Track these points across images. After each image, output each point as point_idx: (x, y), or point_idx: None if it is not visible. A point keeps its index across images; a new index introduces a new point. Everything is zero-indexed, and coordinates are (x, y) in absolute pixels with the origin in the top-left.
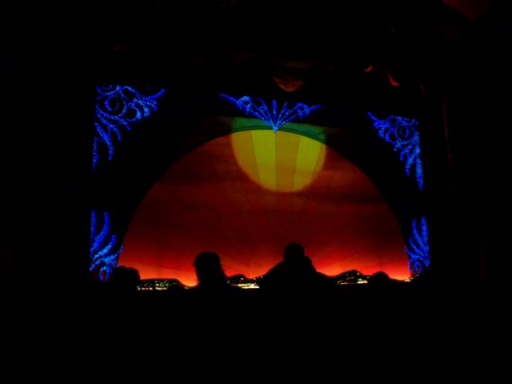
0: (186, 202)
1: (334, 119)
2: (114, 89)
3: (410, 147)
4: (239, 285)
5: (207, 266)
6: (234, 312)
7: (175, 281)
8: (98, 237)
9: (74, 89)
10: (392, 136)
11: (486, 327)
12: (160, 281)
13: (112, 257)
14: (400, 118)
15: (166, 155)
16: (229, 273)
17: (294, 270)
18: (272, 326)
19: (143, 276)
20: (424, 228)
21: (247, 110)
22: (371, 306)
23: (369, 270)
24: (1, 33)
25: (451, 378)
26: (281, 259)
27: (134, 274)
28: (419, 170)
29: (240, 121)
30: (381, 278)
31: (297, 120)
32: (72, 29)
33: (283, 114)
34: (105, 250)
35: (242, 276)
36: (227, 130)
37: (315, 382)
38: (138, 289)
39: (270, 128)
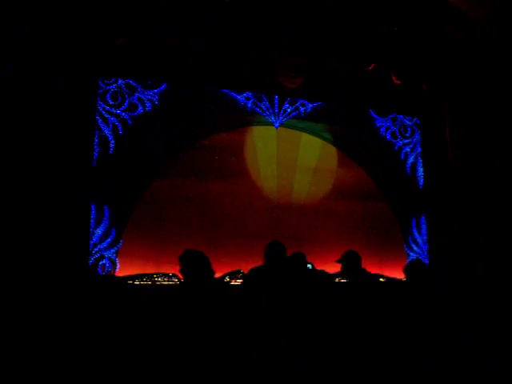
0: (185, 196)
1: (335, 116)
2: (116, 82)
3: (411, 146)
4: (238, 280)
5: (193, 264)
6: (218, 309)
7: (174, 275)
8: (98, 230)
9: (75, 82)
10: (393, 134)
11: (485, 326)
12: (159, 275)
13: (112, 250)
14: (402, 116)
15: (166, 150)
16: (228, 268)
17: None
18: (258, 322)
19: (143, 270)
20: (424, 227)
21: (249, 105)
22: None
23: (368, 268)
24: (3, 28)
25: (448, 376)
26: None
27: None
28: (420, 169)
29: (241, 116)
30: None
31: (298, 117)
32: (74, 22)
33: (285, 111)
34: (104, 244)
35: (240, 271)
36: (228, 126)
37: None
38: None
39: (272, 124)
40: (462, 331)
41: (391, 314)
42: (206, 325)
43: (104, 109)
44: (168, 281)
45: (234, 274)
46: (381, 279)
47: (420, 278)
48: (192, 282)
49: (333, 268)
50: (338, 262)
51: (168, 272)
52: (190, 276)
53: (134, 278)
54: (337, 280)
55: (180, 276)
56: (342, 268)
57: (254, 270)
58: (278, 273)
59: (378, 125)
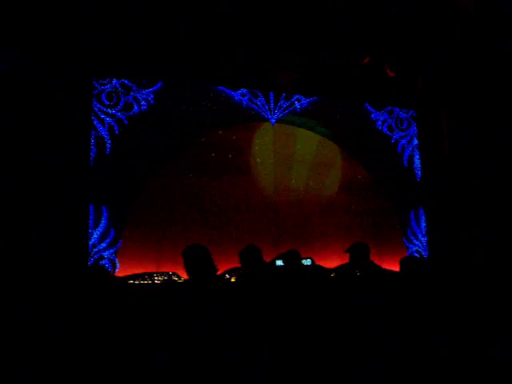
0: (183, 194)
1: (331, 111)
2: (110, 82)
3: (407, 138)
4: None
5: (199, 260)
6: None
7: (174, 274)
8: (97, 230)
9: (70, 83)
10: (390, 127)
11: (484, 317)
12: (159, 274)
13: (111, 251)
14: (398, 109)
15: (163, 148)
16: (227, 265)
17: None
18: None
19: (142, 269)
20: (422, 219)
21: (244, 102)
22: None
23: None
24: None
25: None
26: (278, 251)
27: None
28: (417, 161)
29: (237, 113)
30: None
31: (294, 112)
32: (68, 23)
33: (280, 107)
34: (103, 244)
35: (241, 268)
36: (224, 123)
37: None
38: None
39: (268, 120)
40: (460, 327)
41: (387, 309)
42: (207, 324)
43: (100, 109)
44: (168, 279)
45: (233, 272)
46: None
47: (414, 271)
48: (194, 280)
49: (333, 263)
50: (346, 251)
51: (168, 270)
52: (192, 273)
53: (134, 277)
54: (333, 275)
55: (180, 273)
56: (350, 258)
57: (242, 276)
58: (264, 275)
59: (374, 118)
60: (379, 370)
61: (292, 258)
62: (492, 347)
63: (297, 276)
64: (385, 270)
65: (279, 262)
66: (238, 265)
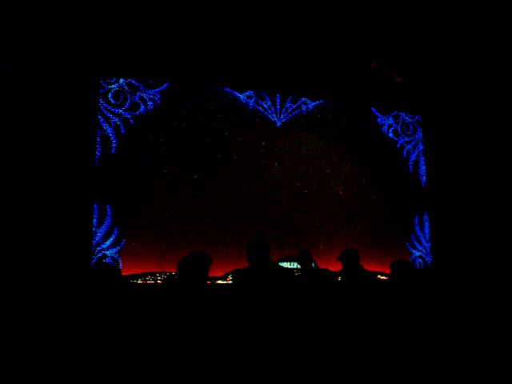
0: (188, 195)
1: (337, 114)
2: (117, 81)
3: (413, 143)
4: None
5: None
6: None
7: (177, 274)
8: (101, 229)
9: (76, 81)
10: (395, 132)
11: (485, 321)
12: (162, 274)
13: (114, 250)
14: (404, 114)
15: (168, 149)
16: (232, 266)
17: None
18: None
19: (145, 269)
20: (426, 225)
21: (250, 104)
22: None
23: (370, 266)
24: (4, 28)
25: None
26: (282, 254)
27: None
28: (422, 167)
29: (243, 115)
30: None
31: (300, 115)
32: (76, 22)
33: (287, 109)
34: (107, 243)
35: (244, 270)
36: (230, 125)
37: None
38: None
39: (274, 123)
40: (461, 329)
41: (381, 311)
42: (209, 324)
43: (106, 108)
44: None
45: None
46: (384, 277)
47: (404, 276)
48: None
49: (336, 266)
50: (338, 259)
51: (171, 270)
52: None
53: (137, 276)
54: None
55: None
56: (342, 265)
57: (240, 275)
58: (268, 274)
59: (379, 122)
60: (379, 370)
61: (306, 257)
62: (492, 348)
63: (305, 277)
64: (373, 272)
65: (283, 265)
66: (241, 266)
